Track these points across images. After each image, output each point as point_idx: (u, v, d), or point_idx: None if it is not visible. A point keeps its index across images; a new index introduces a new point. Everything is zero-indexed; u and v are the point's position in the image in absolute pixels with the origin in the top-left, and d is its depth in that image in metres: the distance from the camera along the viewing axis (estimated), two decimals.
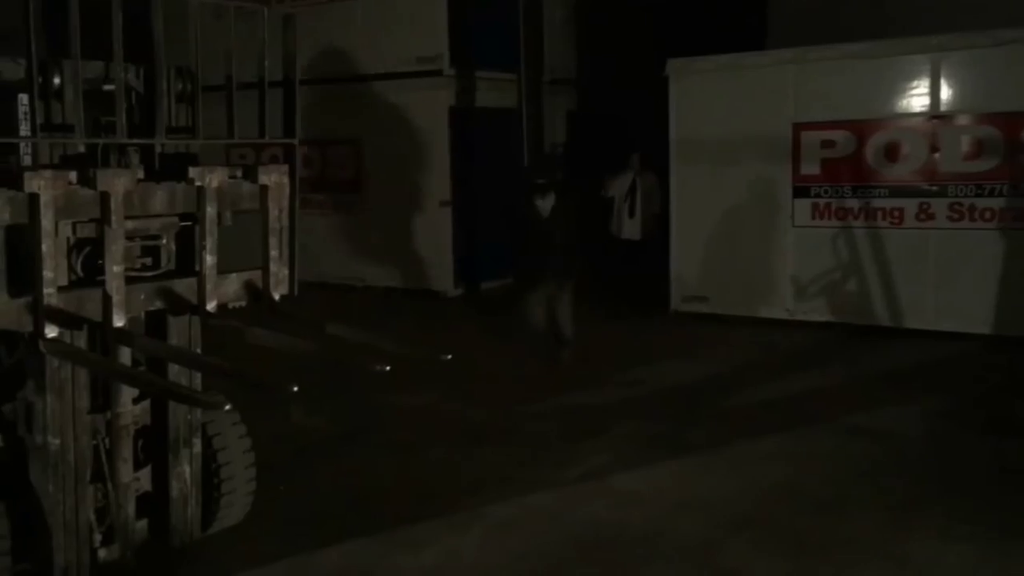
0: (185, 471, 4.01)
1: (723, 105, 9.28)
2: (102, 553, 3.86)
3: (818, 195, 8.97)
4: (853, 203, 8.83)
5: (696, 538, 4.42)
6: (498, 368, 7.61)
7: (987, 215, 8.29)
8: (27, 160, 3.47)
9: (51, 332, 3.38)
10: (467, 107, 11.27)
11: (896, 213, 8.66)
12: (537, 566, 4.18)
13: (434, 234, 11.19)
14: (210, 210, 3.71)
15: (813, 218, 9.00)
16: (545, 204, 7.50)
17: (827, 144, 8.90)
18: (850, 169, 8.82)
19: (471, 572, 4.16)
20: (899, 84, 8.62)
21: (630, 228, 10.76)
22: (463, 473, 5.31)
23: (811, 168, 8.98)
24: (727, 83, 9.32)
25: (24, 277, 3.37)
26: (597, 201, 10.82)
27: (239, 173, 3.89)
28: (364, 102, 11.34)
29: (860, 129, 8.76)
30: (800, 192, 9.04)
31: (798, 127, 8.96)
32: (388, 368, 3.38)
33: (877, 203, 8.73)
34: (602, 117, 12.93)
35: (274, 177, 3.92)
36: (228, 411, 4.05)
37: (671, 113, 9.47)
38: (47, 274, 3.35)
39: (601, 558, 4.23)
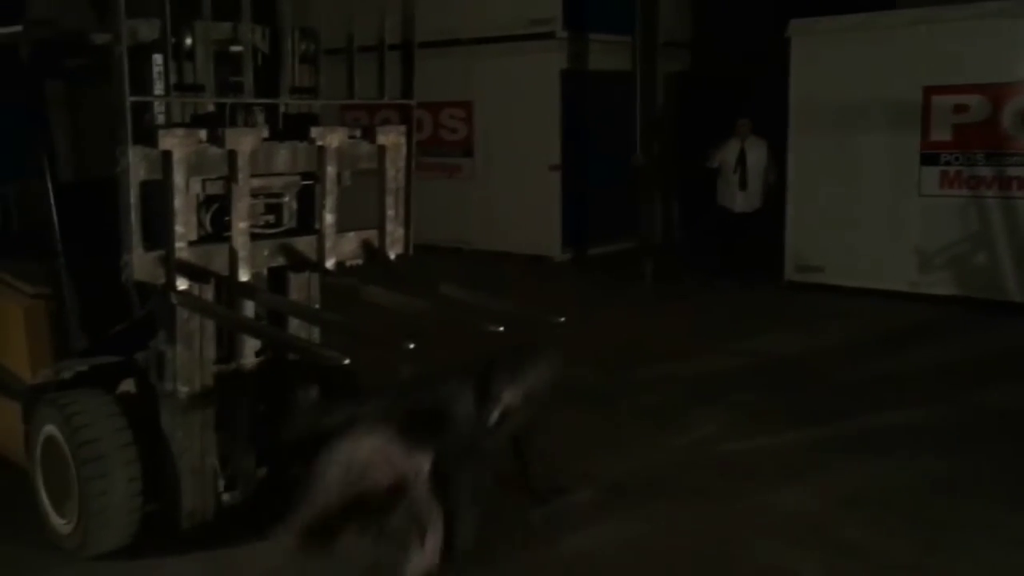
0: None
1: (848, 68, 8.90)
2: (226, 497, 4.02)
3: (948, 163, 8.54)
4: (986, 171, 8.37)
5: (810, 513, 4.31)
6: (609, 333, 7.57)
7: None
8: (160, 119, 3.59)
9: (181, 284, 3.52)
10: (579, 70, 11.16)
11: None
12: (647, 531, 4.15)
13: (543, 198, 11.17)
14: (330, 169, 3.79)
15: (942, 187, 8.58)
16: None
17: (960, 109, 8.44)
18: (984, 135, 8.35)
19: (581, 534, 4.14)
20: None
21: (744, 200, 9.68)
22: (576, 436, 5.29)
23: (941, 134, 8.55)
24: (853, 45, 8.92)
25: (157, 232, 3.52)
26: (705, 171, 10.11)
27: (358, 133, 3.95)
28: (476, 64, 11.35)
29: (996, 93, 8.27)
30: (928, 159, 8.62)
31: (929, 91, 8.53)
32: (501, 328, 3.41)
33: (1012, 171, 8.25)
34: (717, 80, 12.62)
35: (392, 138, 3.97)
36: (346, 366, 4.20)
37: (792, 76, 9.15)
38: (178, 229, 3.48)
39: (712, 529, 4.17)
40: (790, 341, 7.33)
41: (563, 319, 3.81)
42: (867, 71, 8.79)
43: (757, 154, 9.66)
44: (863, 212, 8.97)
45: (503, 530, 3.76)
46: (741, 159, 9.64)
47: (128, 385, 3.92)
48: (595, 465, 4.82)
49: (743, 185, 9.65)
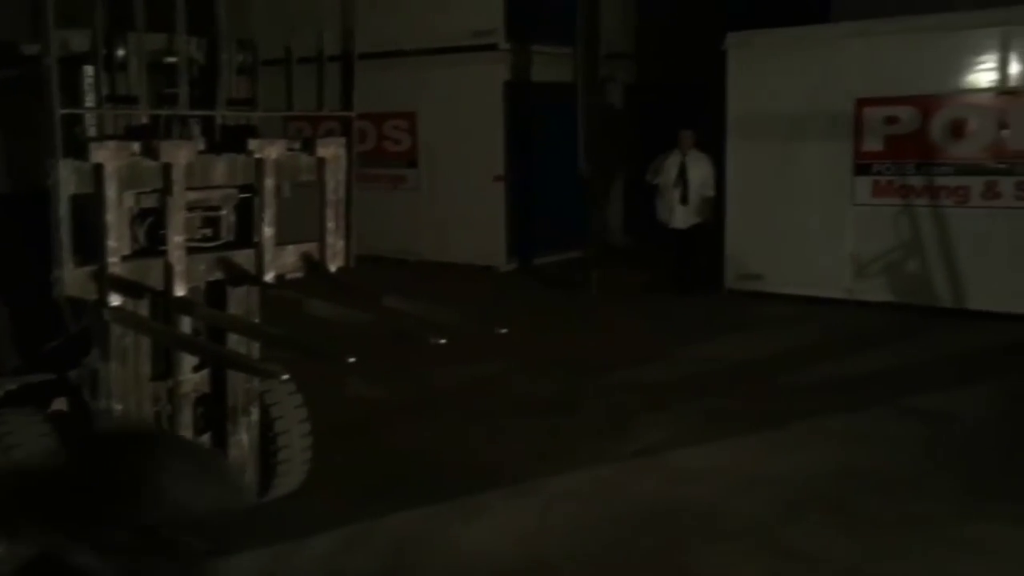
0: (243, 439, 4.07)
1: (783, 80, 9.10)
2: None
3: (880, 172, 8.76)
4: (916, 181, 8.61)
5: (756, 516, 4.38)
6: (555, 342, 7.61)
7: None
8: (92, 131, 3.52)
9: (115, 300, 3.45)
10: (522, 81, 11.22)
11: (961, 192, 8.43)
12: (596, 539, 4.17)
13: (488, 208, 11.19)
14: (269, 182, 3.74)
15: (874, 196, 8.80)
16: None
17: (891, 120, 8.68)
18: (914, 146, 8.60)
19: (529, 543, 4.16)
20: (967, 59, 8.36)
21: (683, 216, 9.42)
22: (523, 446, 5.32)
23: (873, 145, 8.77)
24: (789, 58, 9.13)
25: (89, 246, 3.44)
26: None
27: (297, 145, 3.92)
28: (420, 76, 11.34)
29: (925, 104, 8.52)
30: (861, 169, 8.84)
31: (861, 103, 8.75)
32: (444, 340, 3.40)
33: (941, 181, 8.50)
34: (659, 92, 12.79)
35: (332, 149, 3.94)
36: (285, 381, 4.14)
37: (729, 88, 9.32)
38: (111, 243, 3.41)
39: (661, 534, 4.21)
40: (731, 348, 7.44)
41: (505, 330, 3.81)
42: (802, 83, 9.00)
43: (698, 168, 9.40)
44: (800, 221, 9.17)
45: None
46: (682, 173, 9.38)
47: (60, 404, 3.83)
48: (539, 475, 4.83)
49: (684, 200, 9.38)
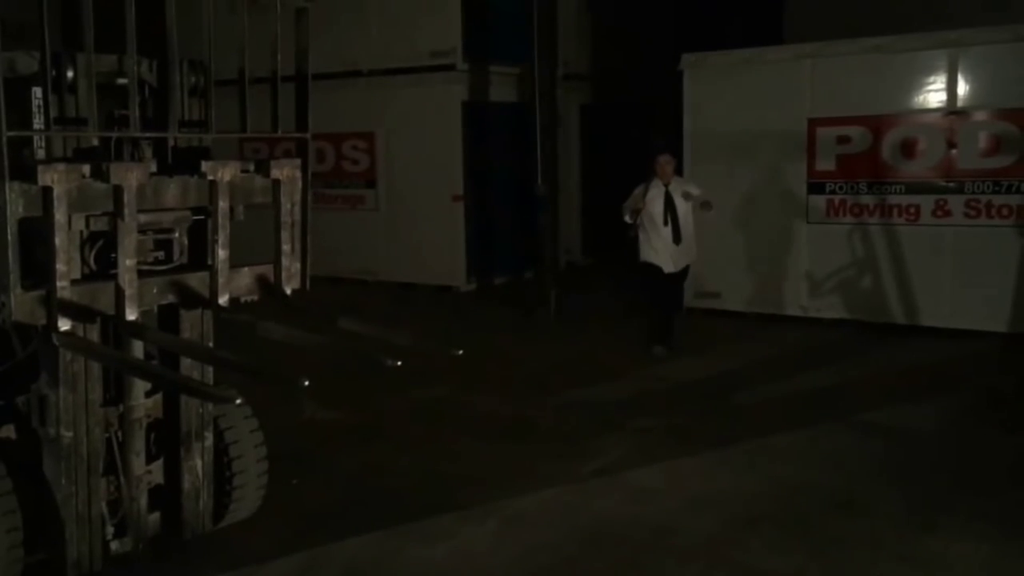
0: (197, 464, 4.02)
1: (738, 100, 9.23)
2: (114, 545, 3.87)
3: (833, 191, 8.91)
4: (868, 199, 8.76)
5: (710, 534, 4.40)
6: (512, 363, 7.61)
7: (1004, 212, 8.21)
8: (41, 153, 3.47)
9: (64, 325, 3.39)
10: (480, 101, 11.26)
11: (912, 210, 8.59)
12: (550, 561, 4.17)
13: (447, 229, 11.18)
14: (222, 204, 3.71)
15: (828, 215, 8.94)
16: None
17: (843, 140, 8.83)
18: (866, 165, 8.75)
19: (484, 566, 4.15)
20: (916, 79, 8.54)
21: (679, 255, 7.74)
22: (478, 467, 5.30)
23: (826, 164, 8.92)
24: (743, 77, 9.26)
25: (38, 270, 3.38)
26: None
27: (251, 167, 3.90)
28: (378, 96, 11.34)
29: (876, 125, 8.69)
30: (815, 188, 8.98)
31: (814, 122, 8.90)
32: (400, 363, 3.39)
33: (893, 199, 8.66)
34: (616, 111, 12.92)
35: (286, 171, 3.93)
36: (240, 405, 4.11)
37: (685, 107, 9.43)
38: (60, 267, 3.36)
39: (615, 554, 4.22)
40: (687, 368, 7.49)
41: (461, 351, 3.80)
42: (756, 103, 9.13)
43: (684, 199, 7.70)
44: (756, 239, 9.28)
45: None
46: (669, 206, 7.60)
47: (7, 431, 3.74)
48: (496, 497, 4.82)
49: (676, 239, 7.63)
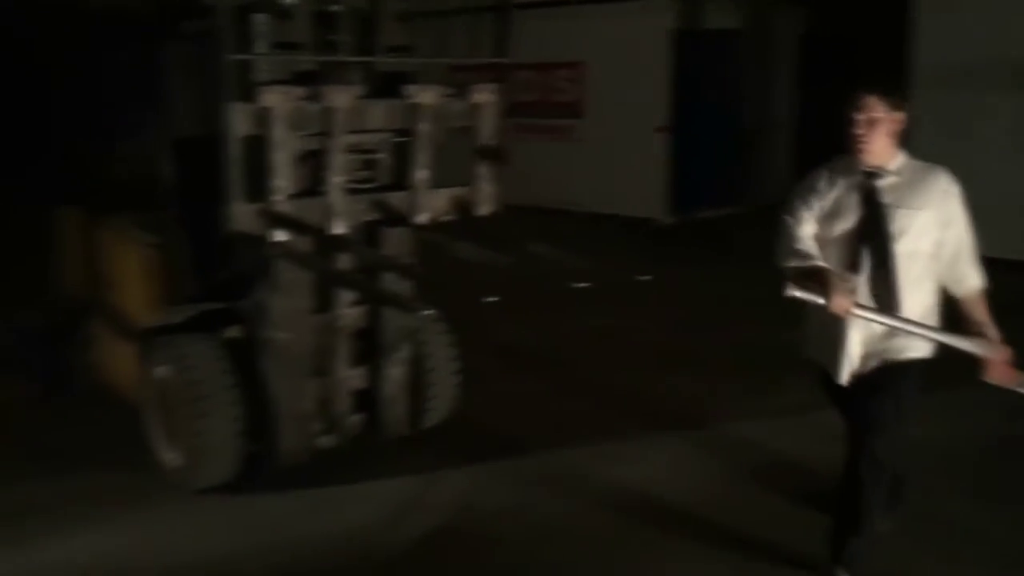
0: (396, 372, 4.29)
1: (989, 21, 8.21)
2: (321, 441, 4.22)
3: None
4: None
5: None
6: (697, 297, 7.47)
7: None
8: (262, 76, 3.74)
9: (279, 236, 3.69)
10: (691, 29, 10.92)
11: None
12: (723, 490, 4.16)
13: (649, 160, 11.03)
14: (424, 126, 3.88)
15: None
16: None
17: None
18: None
19: (669, 488, 4.18)
20: None
21: (864, 351, 3.25)
22: (655, 397, 5.31)
23: None
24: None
25: (258, 185, 3.69)
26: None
27: (452, 91, 4.03)
28: (585, 26, 11.25)
29: None
30: None
31: None
32: (585, 285, 3.45)
33: None
34: (837, 40, 12.14)
35: (485, 96, 4.03)
36: (436, 320, 4.33)
37: (918, 34, 8.61)
38: (277, 182, 3.65)
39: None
40: None
41: (650, 278, 3.81)
42: (1003, 26, 8.17)
43: (918, 220, 3.17)
44: (999, 184, 8.28)
45: None
46: (873, 225, 3.18)
47: (233, 331, 4.13)
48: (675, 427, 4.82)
49: (886, 305, 3.17)
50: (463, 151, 4.06)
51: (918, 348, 3.22)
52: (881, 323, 3.14)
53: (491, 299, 3.14)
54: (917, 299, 3.19)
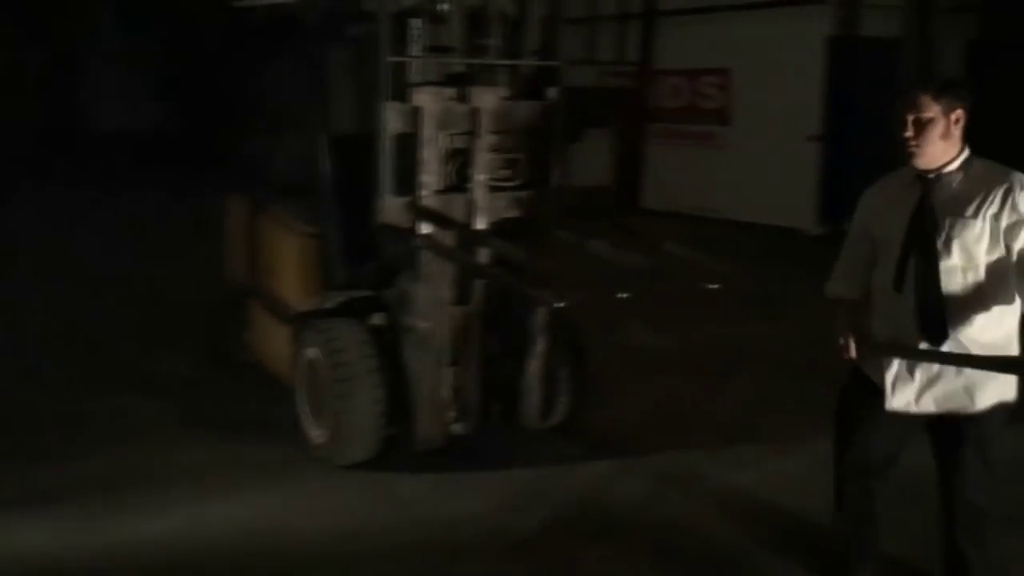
0: (530, 366, 4.41)
1: None
2: (456, 428, 4.39)
3: None
4: None
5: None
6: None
7: None
8: (416, 78, 3.96)
9: (425, 229, 3.89)
10: (848, 36, 10.62)
11: None
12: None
13: (799, 169, 10.79)
14: (562, 126, 4.00)
15: None
16: None
17: None
18: None
19: (791, 496, 4.15)
20: None
21: (927, 388, 2.85)
22: (790, 407, 5.23)
23: None
24: None
25: (407, 181, 3.90)
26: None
27: (590, 93, 4.14)
28: (736, 31, 11.12)
29: None
30: None
31: None
32: (718, 287, 3.48)
33: None
34: (1010, 50, 11.49)
35: (624, 98, 4.11)
36: (571, 318, 4.43)
37: None
38: (425, 178, 3.86)
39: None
40: None
41: (785, 285, 3.80)
42: None
43: (970, 224, 2.76)
44: None
45: None
46: (921, 240, 2.81)
47: (378, 318, 4.36)
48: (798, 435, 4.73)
49: (933, 336, 2.78)
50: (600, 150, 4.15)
51: (991, 391, 2.75)
52: (921, 359, 2.72)
53: (623, 295, 3.21)
54: (981, 325, 2.71)
